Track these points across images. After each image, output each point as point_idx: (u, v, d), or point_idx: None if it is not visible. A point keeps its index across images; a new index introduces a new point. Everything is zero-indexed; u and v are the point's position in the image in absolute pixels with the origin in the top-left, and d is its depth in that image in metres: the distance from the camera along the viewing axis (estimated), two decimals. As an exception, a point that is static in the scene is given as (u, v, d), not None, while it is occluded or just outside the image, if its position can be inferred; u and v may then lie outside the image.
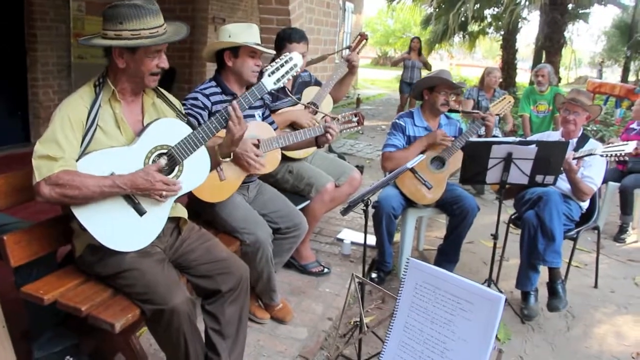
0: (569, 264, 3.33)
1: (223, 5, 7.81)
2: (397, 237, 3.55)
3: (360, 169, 5.07)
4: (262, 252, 2.47)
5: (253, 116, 2.66)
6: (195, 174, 1.95)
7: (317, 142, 2.70)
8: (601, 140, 7.16)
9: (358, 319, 2.28)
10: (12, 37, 5.64)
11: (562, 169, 2.97)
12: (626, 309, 3.27)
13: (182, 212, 2.09)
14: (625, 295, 3.46)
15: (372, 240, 3.41)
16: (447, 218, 3.45)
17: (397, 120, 3.42)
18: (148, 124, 1.88)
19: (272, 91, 2.16)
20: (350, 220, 4.27)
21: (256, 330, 2.61)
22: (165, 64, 1.87)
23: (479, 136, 3.31)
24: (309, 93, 3.30)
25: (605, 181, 4.12)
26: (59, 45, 6.11)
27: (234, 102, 2.02)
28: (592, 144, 3.21)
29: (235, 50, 2.47)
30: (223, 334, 2.01)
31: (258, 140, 2.49)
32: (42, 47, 5.88)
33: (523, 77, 17.01)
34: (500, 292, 2.97)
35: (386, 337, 1.71)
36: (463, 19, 11.24)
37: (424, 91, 3.36)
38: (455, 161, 3.22)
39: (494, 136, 4.33)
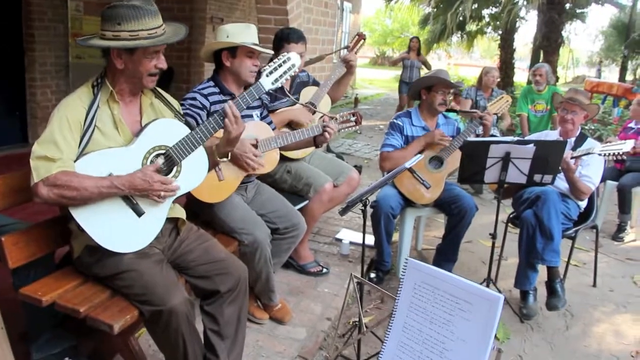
0: (568, 263, 3.34)
1: (221, 5, 7.80)
2: (395, 236, 3.55)
3: (359, 168, 5.08)
4: (261, 252, 2.47)
5: (251, 116, 2.65)
6: (194, 174, 1.94)
7: (316, 141, 2.70)
8: (599, 139, 7.17)
9: (357, 319, 2.28)
10: (10, 37, 5.63)
11: (560, 168, 2.98)
12: (625, 308, 3.28)
13: (181, 213, 2.09)
14: (624, 294, 3.46)
15: (370, 240, 3.42)
16: (446, 217, 3.45)
17: (394, 120, 3.42)
18: (146, 125, 1.87)
19: (270, 91, 2.16)
20: (348, 220, 4.27)
21: (255, 330, 2.61)
22: (163, 64, 1.87)
23: (477, 135, 3.31)
24: (307, 93, 3.30)
25: (603, 180, 4.12)
26: (57, 45, 6.10)
27: (230, 101, 2.01)
28: (590, 143, 3.22)
29: (233, 50, 2.46)
30: (222, 335, 2.01)
31: (256, 140, 2.49)
32: (40, 47, 5.87)
33: (521, 76, 17.05)
34: (499, 291, 2.98)
35: (385, 337, 1.71)
36: (461, 18, 11.26)
37: (421, 91, 3.37)
38: (454, 161, 3.22)
39: (492, 135, 4.34)
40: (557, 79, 11.20)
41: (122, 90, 1.87)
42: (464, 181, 3.18)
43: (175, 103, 2.07)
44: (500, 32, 13.30)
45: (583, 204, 3.27)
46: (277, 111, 3.09)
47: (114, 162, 1.78)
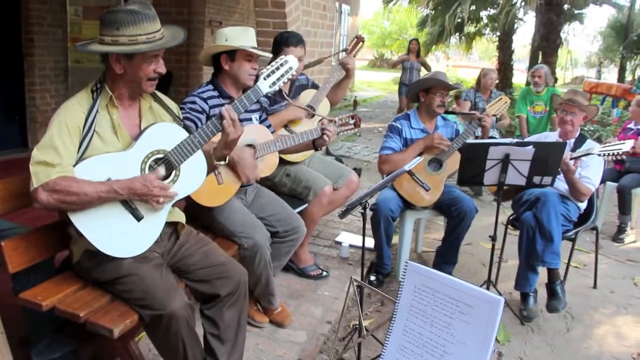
0: (568, 264, 3.33)
1: (220, 8, 7.82)
2: (395, 239, 3.55)
3: (358, 171, 5.06)
4: (261, 255, 2.46)
5: (250, 119, 2.66)
6: (192, 178, 1.94)
7: (315, 144, 2.70)
8: (598, 140, 7.18)
9: (357, 322, 2.27)
10: (10, 41, 5.64)
11: (559, 169, 2.98)
12: (626, 309, 3.27)
13: (180, 217, 2.09)
14: (624, 295, 3.46)
15: (370, 242, 3.41)
16: (445, 220, 3.45)
17: (393, 123, 3.42)
18: (144, 129, 1.87)
19: (269, 94, 2.16)
20: (348, 223, 4.27)
21: (255, 334, 2.61)
22: (162, 69, 1.87)
23: (476, 137, 3.31)
24: (306, 96, 3.29)
25: (603, 181, 4.13)
26: (56, 49, 6.11)
27: (228, 105, 2.02)
28: (590, 144, 3.22)
29: (232, 53, 2.47)
30: (222, 339, 2.01)
31: (254, 147, 2.48)
32: (39, 52, 5.88)
33: (519, 77, 17.06)
34: (500, 293, 2.98)
35: (385, 341, 1.71)
36: (459, 20, 11.25)
37: (419, 93, 3.37)
38: (453, 163, 3.22)
39: (491, 137, 4.34)
40: (555, 80, 11.20)
41: (121, 94, 1.87)
42: (464, 183, 3.18)
43: (174, 107, 2.07)
44: (498, 33, 13.30)
45: (583, 205, 3.26)
46: (273, 114, 3.08)
47: (113, 166, 1.78)
